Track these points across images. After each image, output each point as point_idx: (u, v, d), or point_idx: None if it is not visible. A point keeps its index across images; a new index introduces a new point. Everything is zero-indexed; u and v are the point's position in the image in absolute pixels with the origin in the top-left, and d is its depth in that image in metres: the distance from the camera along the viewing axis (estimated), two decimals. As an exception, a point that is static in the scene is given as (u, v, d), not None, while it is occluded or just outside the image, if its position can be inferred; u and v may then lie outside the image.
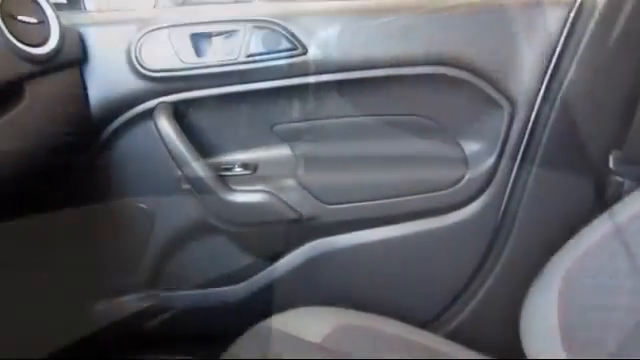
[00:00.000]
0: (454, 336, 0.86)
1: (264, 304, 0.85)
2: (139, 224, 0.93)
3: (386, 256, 0.90)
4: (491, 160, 0.82)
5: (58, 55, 0.74)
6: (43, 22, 0.73)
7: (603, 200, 0.78)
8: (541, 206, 0.82)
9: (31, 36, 0.70)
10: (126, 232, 0.95)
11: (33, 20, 0.71)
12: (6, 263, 0.88)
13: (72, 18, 0.81)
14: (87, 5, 0.92)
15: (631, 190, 0.74)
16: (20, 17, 0.69)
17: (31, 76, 0.70)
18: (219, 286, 0.96)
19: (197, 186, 0.84)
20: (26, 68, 0.68)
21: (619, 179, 0.76)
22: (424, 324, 0.91)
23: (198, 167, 0.82)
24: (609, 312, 0.64)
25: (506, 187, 0.83)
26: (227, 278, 0.96)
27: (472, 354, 0.80)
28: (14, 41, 0.66)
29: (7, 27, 0.66)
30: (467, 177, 0.84)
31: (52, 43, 0.73)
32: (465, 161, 0.85)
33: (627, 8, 0.71)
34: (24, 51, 0.68)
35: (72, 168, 0.86)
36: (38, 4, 0.73)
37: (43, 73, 0.72)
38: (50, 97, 0.74)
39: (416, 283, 0.91)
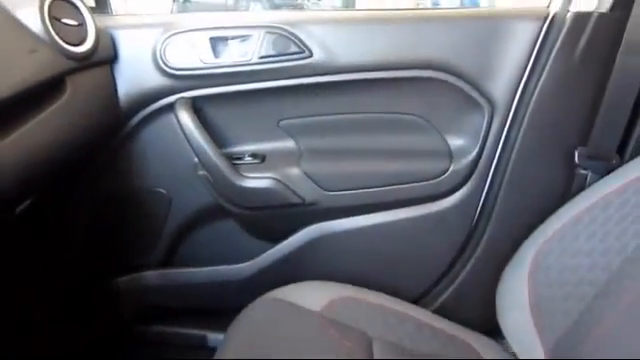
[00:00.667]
0: (439, 312, 0.95)
1: (269, 281, 0.93)
2: (157, 207, 1.03)
3: (379, 239, 0.99)
4: (473, 154, 0.92)
5: (93, 54, 0.84)
6: (82, 25, 0.83)
7: (570, 190, 0.88)
8: (517, 195, 0.92)
9: (72, 36, 0.80)
10: (145, 214, 1.04)
11: (74, 22, 0.81)
12: (39, 237, 0.98)
13: (105, 21, 0.90)
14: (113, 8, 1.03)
15: (593, 182, 0.84)
16: (63, 20, 0.79)
17: (71, 71, 0.80)
18: (228, 264, 1.06)
19: (212, 172, 0.93)
20: (67, 64, 0.78)
21: (583, 172, 0.86)
22: (412, 301, 1.00)
23: (213, 156, 0.91)
24: (571, 287, 0.74)
25: (486, 178, 0.92)
26: (236, 257, 1.05)
27: (455, 327, 0.89)
28: (58, 40, 0.77)
29: (53, 28, 0.76)
30: (451, 169, 0.93)
31: (89, 43, 0.83)
32: (450, 154, 0.94)
33: (591, 23, 0.81)
34: (66, 49, 0.78)
35: (100, 155, 0.96)
36: (78, 8, 0.83)
37: (81, 69, 0.82)
38: (86, 91, 0.84)
39: (405, 264, 1.00)
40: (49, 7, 0.76)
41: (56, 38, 0.76)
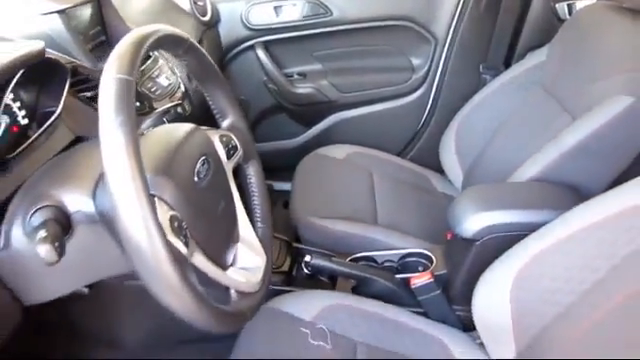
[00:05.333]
0: (412, 160, 1.64)
1: (309, 147, 1.61)
2: (242, 107, 1.72)
3: (372, 120, 1.69)
4: (425, 68, 1.59)
5: (210, 20, 1.50)
6: (204, 3, 1.48)
7: (478, 88, 1.56)
8: (450, 92, 1.59)
9: (201, 11, 1.46)
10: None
11: (202, 3, 1.47)
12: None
13: (211, -2, 1.54)
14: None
15: (490, 82, 1.52)
16: (197, 2, 1.44)
17: (203, 32, 1.46)
18: (284, 139, 1.78)
19: (276, 84, 1.62)
20: (202, 29, 1.45)
21: (485, 77, 1.55)
22: (395, 153, 1.68)
23: (277, 75, 1.60)
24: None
25: (433, 82, 1.60)
26: (289, 135, 1.77)
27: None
28: (198, 15, 1.43)
29: (196, 8, 1.42)
30: (413, 77, 1.61)
31: (209, 14, 1.49)
32: (412, 69, 1.62)
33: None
34: (201, 20, 1.44)
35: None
36: (201, -6, 1.48)
37: (206, 30, 1.48)
38: (209, 43, 1.50)
39: (389, 133, 1.70)
40: (192, -3, 1.42)
41: (197, 14, 1.42)
